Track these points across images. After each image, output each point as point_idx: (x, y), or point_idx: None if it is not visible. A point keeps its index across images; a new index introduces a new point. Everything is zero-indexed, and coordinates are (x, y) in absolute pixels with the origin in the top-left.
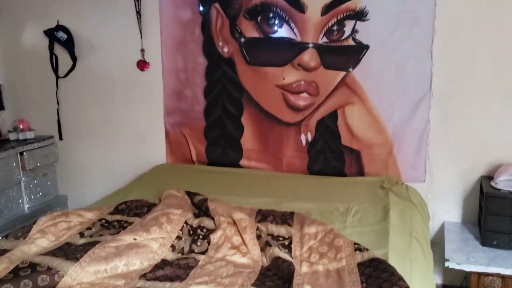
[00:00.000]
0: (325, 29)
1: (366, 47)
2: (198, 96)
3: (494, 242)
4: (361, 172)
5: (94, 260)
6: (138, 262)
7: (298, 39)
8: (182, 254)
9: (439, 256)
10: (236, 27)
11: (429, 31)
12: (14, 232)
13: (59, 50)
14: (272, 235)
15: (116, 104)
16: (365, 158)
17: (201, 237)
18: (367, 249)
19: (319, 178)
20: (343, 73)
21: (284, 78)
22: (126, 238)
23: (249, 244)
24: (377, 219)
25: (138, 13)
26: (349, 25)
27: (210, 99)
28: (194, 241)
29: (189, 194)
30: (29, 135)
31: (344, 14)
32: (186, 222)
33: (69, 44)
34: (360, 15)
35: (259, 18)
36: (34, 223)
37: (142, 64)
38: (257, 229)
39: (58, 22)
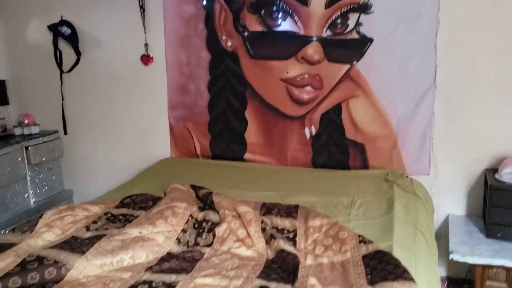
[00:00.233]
0: (329, 22)
1: (370, 40)
2: (202, 90)
3: (499, 235)
4: (365, 165)
5: (100, 253)
6: (144, 255)
7: (302, 32)
8: (188, 247)
9: (443, 248)
10: (239, 21)
11: (433, 24)
12: (21, 226)
13: (63, 45)
14: (276, 228)
15: (120, 98)
16: (369, 151)
17: (206, 230)
18: (371, 242)
19: (323, 172)
20: (347, 66)
21: (288, 72)
22: (132, 231)
23: (254, 237)
24: (382, 212)
25: (142, 7)
26: (353, 18)
27: (214, 93)
28: (199, 234)
29: (194, 187)
30: (34, 129)
31: (348, 7)
32: (191, 216)
33: (73, 39)
34: (364, 8)
35: (262, 11)
36: (40, 217)
37: (146, 59)
38: (262, 222)
39: (62, 17)
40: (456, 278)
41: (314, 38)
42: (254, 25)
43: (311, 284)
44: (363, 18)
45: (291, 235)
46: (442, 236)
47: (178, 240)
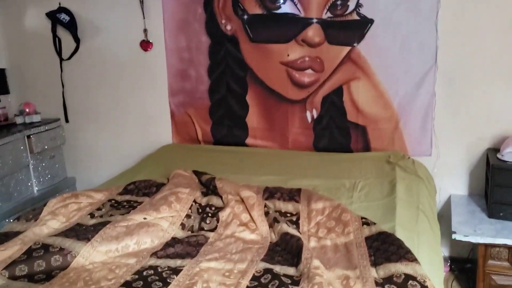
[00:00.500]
0: (329, 4)
1: (371, 21)
2: (202, 76)
3: (501, 214)
4: (367, 148)
5: (105, 240)
6: (149, 241)
7: (302, 14)
8: (192, 232)
9: (446, 228)
10: (239, 4)
11: (434, 4)
12: (25, 214)
13: (62, 33)
14: (279, 212)
15: (120, 85)
16: (371, 133)
17: (210, 215)
18: (374, 223)
19: (325, 155)
20: (348, 48)
21: (288, 55)
22: (136, 217)
23: (258, 221)
24: (384, 194)
25: None
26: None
27: (214, 78)
28: (203, 219)
29: (197, 173)
30: (36, 118)
31: None
32: (194, 201)
33: (71, 26)
34: None
35: None
36: (45, 205)
37: (146, 45)
38: (265, 206)
39: (60, 4)
40: (458, 258)
41: (314, 20)
42: (253, 8)
43: (314, 266)
44: None
45: (294, 218)
46: (444, 216)
47: (183, 225)
